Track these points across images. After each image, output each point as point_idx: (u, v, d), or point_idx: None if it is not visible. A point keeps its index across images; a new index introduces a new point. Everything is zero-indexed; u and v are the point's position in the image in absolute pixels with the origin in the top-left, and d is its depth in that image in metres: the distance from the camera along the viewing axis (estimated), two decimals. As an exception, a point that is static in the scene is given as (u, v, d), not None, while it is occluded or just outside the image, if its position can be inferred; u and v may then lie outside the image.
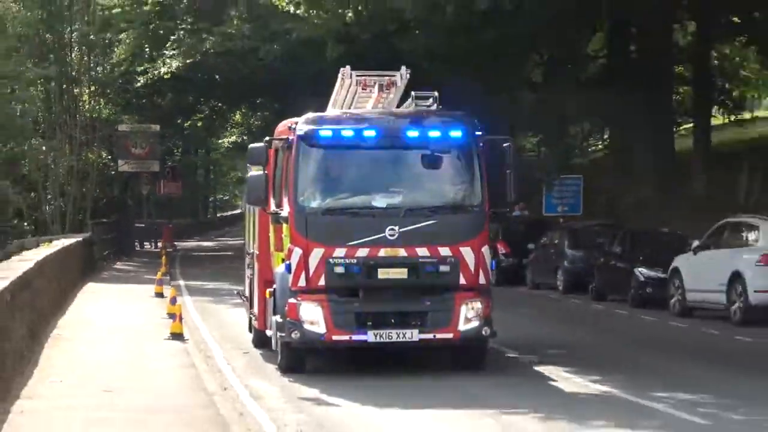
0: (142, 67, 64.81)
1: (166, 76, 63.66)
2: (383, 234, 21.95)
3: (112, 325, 32.39)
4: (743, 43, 56.82)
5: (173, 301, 32.28)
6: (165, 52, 62.79)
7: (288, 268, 22.09)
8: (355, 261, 21.96)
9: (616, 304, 38.91)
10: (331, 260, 21.90)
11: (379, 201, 22.57)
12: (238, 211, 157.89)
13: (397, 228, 21.94)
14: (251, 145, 24.23)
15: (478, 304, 22.02)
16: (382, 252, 22.03)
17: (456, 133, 22.71)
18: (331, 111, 24.70)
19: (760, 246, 32.56)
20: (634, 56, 54.97)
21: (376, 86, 24.49)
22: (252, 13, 54.52)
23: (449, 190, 23.26)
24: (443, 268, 22.03)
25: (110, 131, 70.73)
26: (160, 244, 65.45)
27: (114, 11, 64.39)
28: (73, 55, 66.52)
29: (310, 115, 23.35)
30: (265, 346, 25.53)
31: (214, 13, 59.44)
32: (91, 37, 65.82)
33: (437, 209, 22.57)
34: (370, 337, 21.88)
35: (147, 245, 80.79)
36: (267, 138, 24.03)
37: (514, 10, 41.70)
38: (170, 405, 20.00)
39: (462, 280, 22.13)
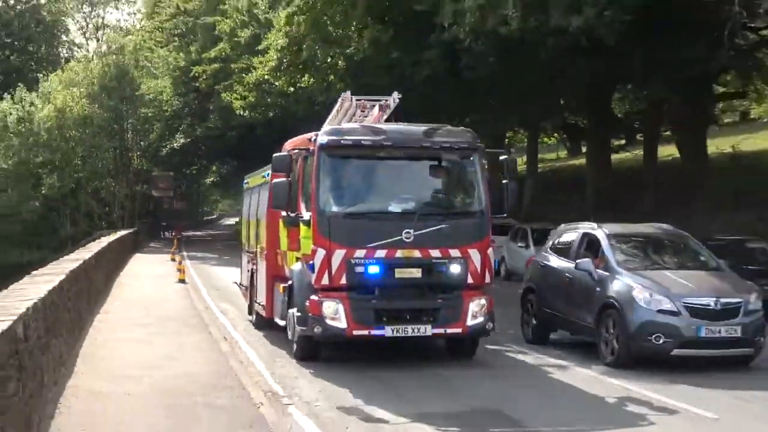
0: (164, 144, 64.67)
1: (176, 148, 63.97)
2: (399, 237, 13.83)
3: (147, 275, 32.21)
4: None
5: (180, 262, 32.23)
6: (176, 136, 63.02)
7: (311, 267, 13.96)
8: (374, 261, 13.82)
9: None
10: (352, 260, 13.77)
11: (395, 206, 14.27)
12: (214, 216, 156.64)
13: (412, 231, 13.85)
14: (275, 155, 14.81)
15: (483, 301, 14.35)
16: (399, 253, 13.89)
17: (463, 146, 14.61)
18: (346, 124, 15.58)
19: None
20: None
21: (376, 107, 16.33)
22: (221, 114, 54.38)
23: (457, 196, 15.13)
24: (453, 267, 14.12)
25: (148, 176, 69.56)
26: (174, 234, 64.61)
27: (149, 114, 63.96)
28: (128, 136, 65.63)
29: (329, 127, 15.07)
30: (264, 329, 17.95)
31: (202, 114, 59.16)
32: (138, 127, 65.17)
33: (447, 214, 14.46)
34: (388, 331, 13.89)
35: (167, 234, 79.65)
36: (288, 149, 15.67)
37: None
38: (178, 316, 20.07)
39: (470, 279, 14.26)
